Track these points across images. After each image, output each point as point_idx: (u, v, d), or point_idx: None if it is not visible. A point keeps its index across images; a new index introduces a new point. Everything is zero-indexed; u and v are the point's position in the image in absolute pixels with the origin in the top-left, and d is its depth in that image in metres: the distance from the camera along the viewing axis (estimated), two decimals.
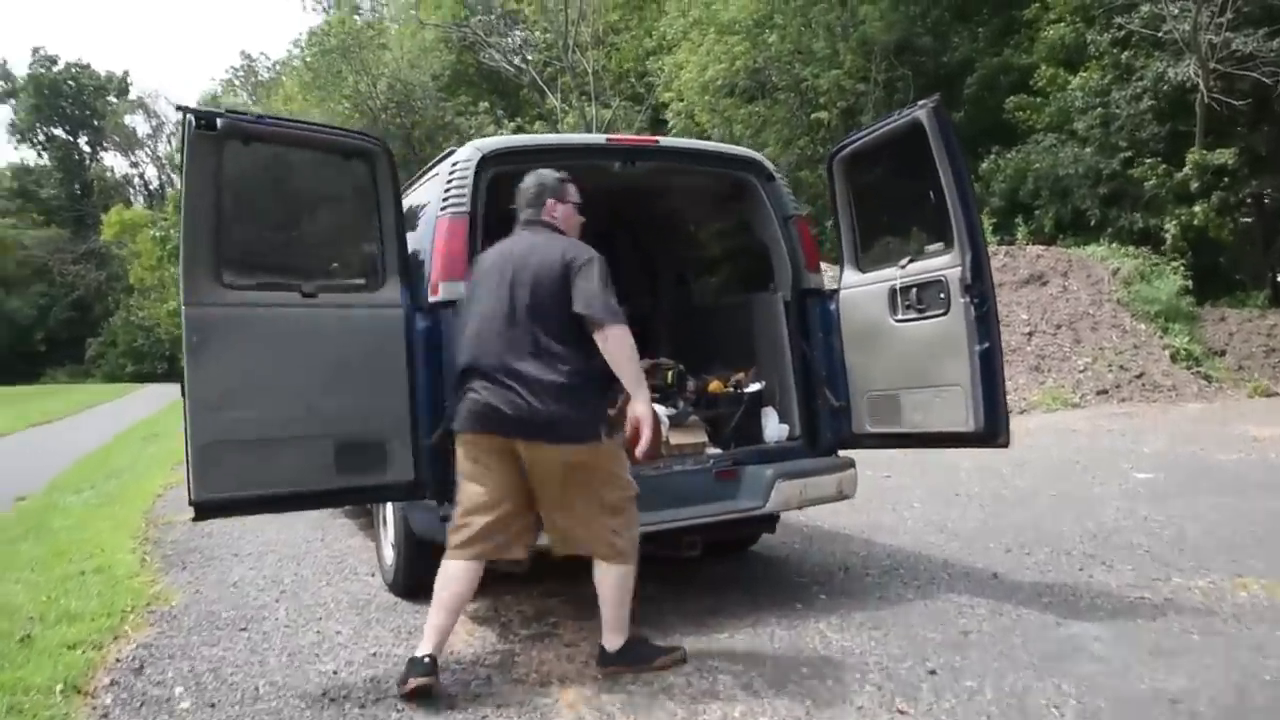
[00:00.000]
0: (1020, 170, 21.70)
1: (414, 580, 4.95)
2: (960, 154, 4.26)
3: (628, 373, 3.48)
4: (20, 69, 69.25)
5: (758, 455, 4.75)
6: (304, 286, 3.98)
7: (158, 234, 45.76)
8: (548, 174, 3.93)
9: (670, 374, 4.88)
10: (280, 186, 4.17)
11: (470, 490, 3.64)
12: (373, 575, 5.63)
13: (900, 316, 4.59)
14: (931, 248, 4.46)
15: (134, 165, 73.67)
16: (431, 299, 4.22)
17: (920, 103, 4.30)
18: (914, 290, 4.52)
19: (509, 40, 40.19)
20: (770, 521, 4.90)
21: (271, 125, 3.98)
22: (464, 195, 4.33)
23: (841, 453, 4.95)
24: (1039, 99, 22.28)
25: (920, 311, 4.49)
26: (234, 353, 3.79)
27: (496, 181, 4.47)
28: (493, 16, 38.96)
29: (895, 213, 4.95)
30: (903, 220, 4.85)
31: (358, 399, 3.99)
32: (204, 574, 6.06)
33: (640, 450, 3.47)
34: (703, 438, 4.77)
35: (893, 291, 4.56)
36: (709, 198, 5.66)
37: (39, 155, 68.66)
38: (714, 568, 5.40)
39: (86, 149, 70.08)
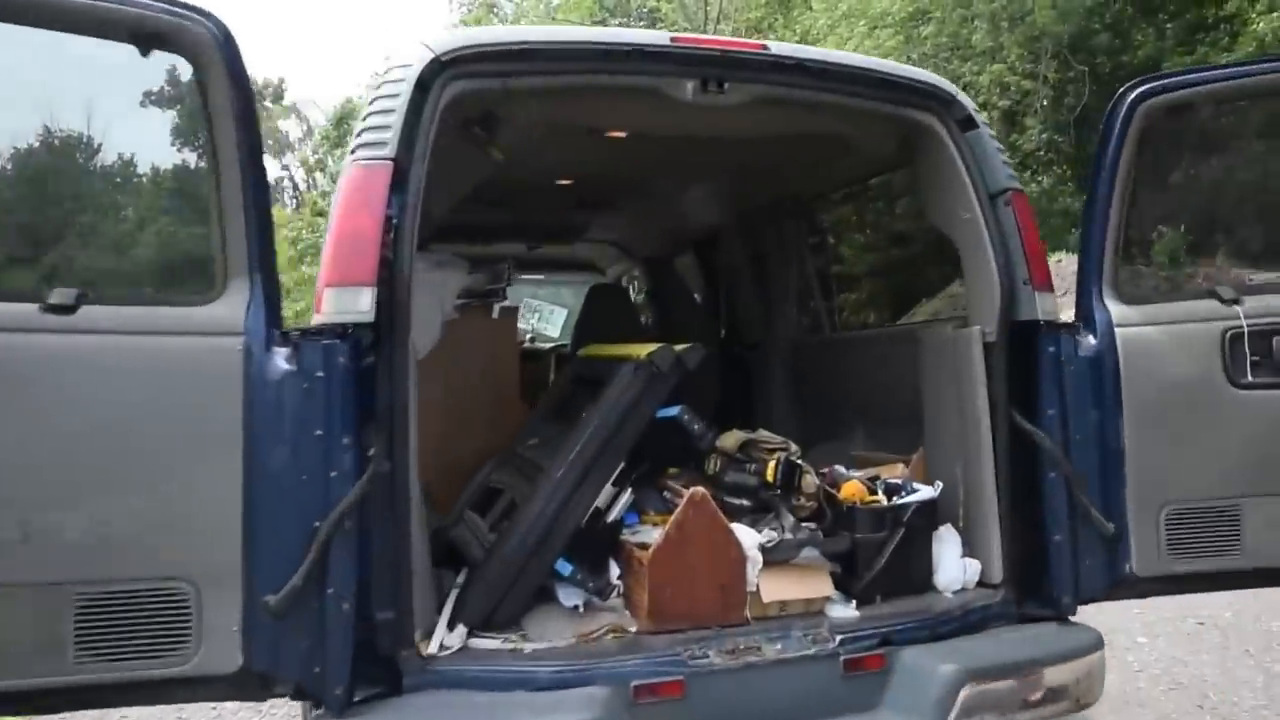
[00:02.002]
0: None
1: None
2: None
3: None
4: (184, 76, 72.81)
5: (926, 624, 2.57)
6: (50, 293, 2.06)
7: (290, 234, 46.20)
8: None
9: (772, 464, 2.71)
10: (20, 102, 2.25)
11: None
12: None
13: (1248, 380, 2.68)
14: None
15: (284, 168, 76.44)
16: (315, 319, 2.24)
17: None
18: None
19: None
20: None
21: None
22: (388, 127, 2.32)
23: (1079, 612, 2.78)
24: None
25: None
26: None
27: (462, 107, 2.47)
28: (630, 18, 37.52)
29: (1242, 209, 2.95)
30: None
31: (135, 509, 2.06)
32: None
33: None
34: (825, 589, 2.61)
35: (1233, 338, 2.68)
36: (858, 154, 3.43)
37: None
38: None
39: None
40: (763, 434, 2.93)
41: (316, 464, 2.17)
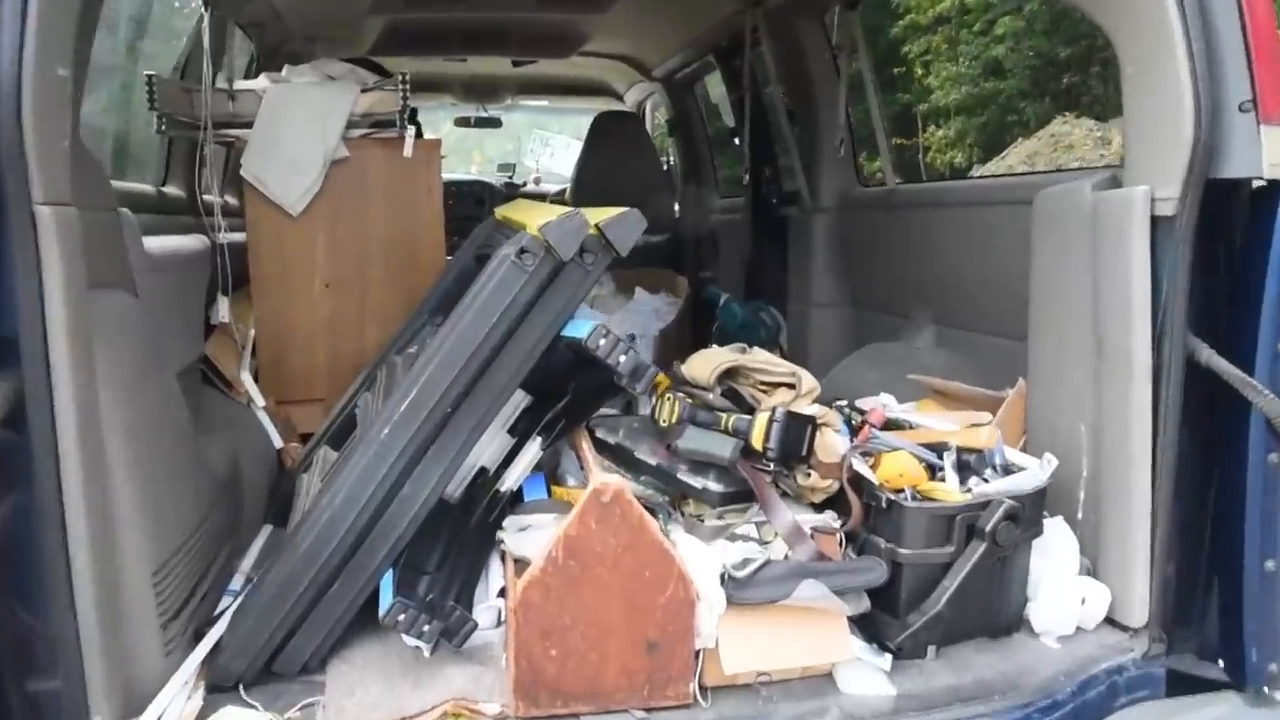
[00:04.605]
0: None
1: None
2: None
3: None
4: None
5: (1011, 712, 1.47)
6: None
7: None
8: None
9: (762, 420, 1.59)
10: None
11: None
12: None
13: None
14: None
15: None
16: None
17: None
18: None
19: None
20: None
21: None
22: None
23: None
24: None
25: None
26: None
27: None
28: None
29: None
30: None
31: None
32: None
33: None
34: (836, 649, 1.50)
35: None
36: None
37: None
38: None
39: None
40: (759, 355, 1.78)
41: None
